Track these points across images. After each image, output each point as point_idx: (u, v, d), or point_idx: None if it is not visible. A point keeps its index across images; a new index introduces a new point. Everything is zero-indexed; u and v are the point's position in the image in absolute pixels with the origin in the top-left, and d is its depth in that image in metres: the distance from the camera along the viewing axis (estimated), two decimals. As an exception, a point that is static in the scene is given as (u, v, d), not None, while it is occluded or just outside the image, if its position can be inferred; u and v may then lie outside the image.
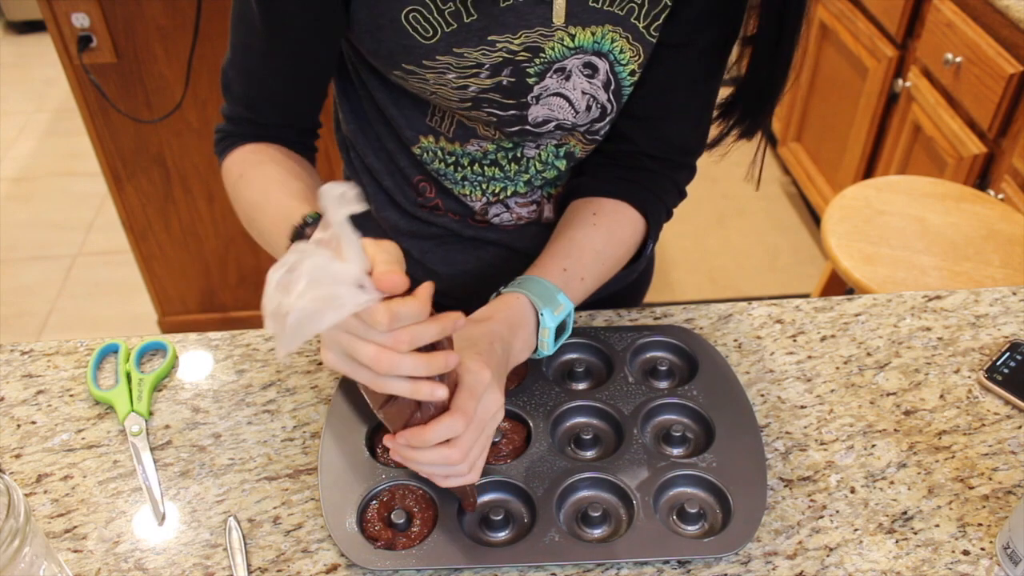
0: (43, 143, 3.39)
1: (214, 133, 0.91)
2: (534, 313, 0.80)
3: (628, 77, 0.83)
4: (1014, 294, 1.01)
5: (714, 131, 0.88)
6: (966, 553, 0.74)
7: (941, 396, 0.89)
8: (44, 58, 3.82)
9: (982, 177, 1.94)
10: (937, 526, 0.76)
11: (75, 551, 0.75)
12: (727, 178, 2.98)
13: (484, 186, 0.93)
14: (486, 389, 0.67)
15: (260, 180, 0.83)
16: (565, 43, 0.78)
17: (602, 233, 0.87)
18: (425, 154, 0.90)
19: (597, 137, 0.89)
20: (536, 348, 0.82)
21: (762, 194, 3.04)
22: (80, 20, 1.79)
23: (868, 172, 2.45)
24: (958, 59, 1.94)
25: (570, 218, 0.89)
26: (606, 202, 0.89)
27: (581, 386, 0.89)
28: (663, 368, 0.90)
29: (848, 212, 1.71)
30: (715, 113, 0.88)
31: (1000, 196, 1.84)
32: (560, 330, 0.83)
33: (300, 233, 0.72)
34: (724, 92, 0.88)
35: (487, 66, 0.78)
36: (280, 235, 0.75)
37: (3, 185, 3.16)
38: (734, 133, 0.86)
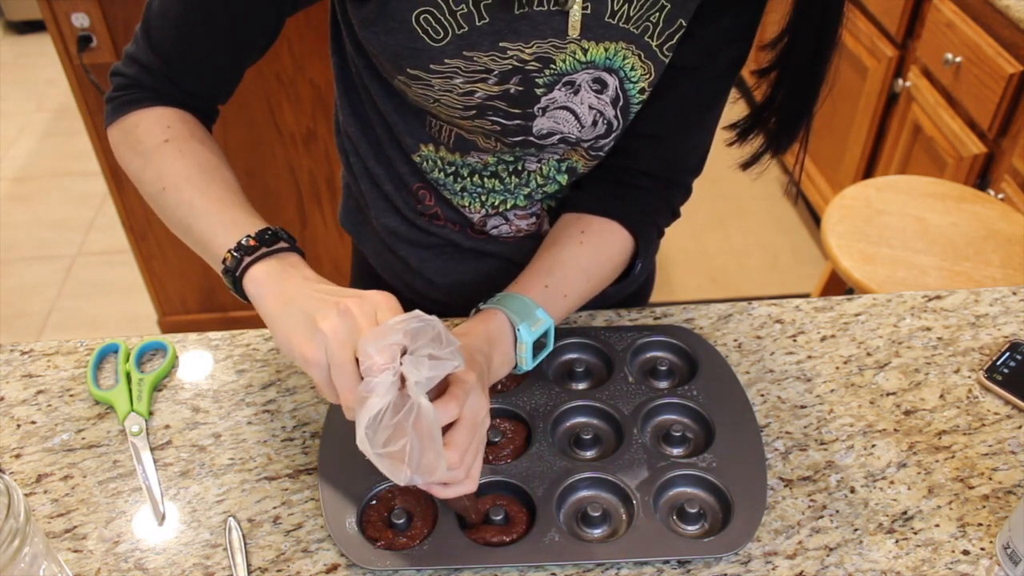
0: (43, 143, 3.39)
1: (110, 76, 0.82)
2: (511, 328, 0.80)
3: (637, 95, 0.82)
4: (1014, 294, 1.01)
5: (747, 150, 0.86)
6: (966, 553, 0.74)
7: (941, 396, 0.89)
8: (44, 58, 3.82)
9: (982, 177, 1.94)
10: (937, 526, 0.76)
11: (75, 551, 0.75)
12: (727, 178, 2.97)
13: (483, 198, 0.92)
14: (472, 389, 0.67)
15: (193, 157, 0.78)
16: (577, 56, 0.77)
17: (588, 251, 0.87)
18: (425, 162, 0.90)
19: (600, 153, 0.88)
20: (516, 364, 0.82)
21: (762, 194, 3.04)
22: (80, 20, 1.79)
23: (868, 172, 2.45)
24: (958, 59, 1.94)
25: (557, 235, 0.89)
26: (595, 220, 0.89)
27: (581, 386, 0.89)
28: (663, 368, 0.90)
29: (848, 212, 1.71)
30: (738, 133, 0.86)
31: (1000, 196, 1.84)
32: (540, 346, 0.83)
33: (243, 250, 0.71)
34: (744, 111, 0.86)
35: (496, 72, 0.77)
36: (223, 241, 0.72)
37: (3, 185, 3.16)
38: (770, 151, 0.85)
